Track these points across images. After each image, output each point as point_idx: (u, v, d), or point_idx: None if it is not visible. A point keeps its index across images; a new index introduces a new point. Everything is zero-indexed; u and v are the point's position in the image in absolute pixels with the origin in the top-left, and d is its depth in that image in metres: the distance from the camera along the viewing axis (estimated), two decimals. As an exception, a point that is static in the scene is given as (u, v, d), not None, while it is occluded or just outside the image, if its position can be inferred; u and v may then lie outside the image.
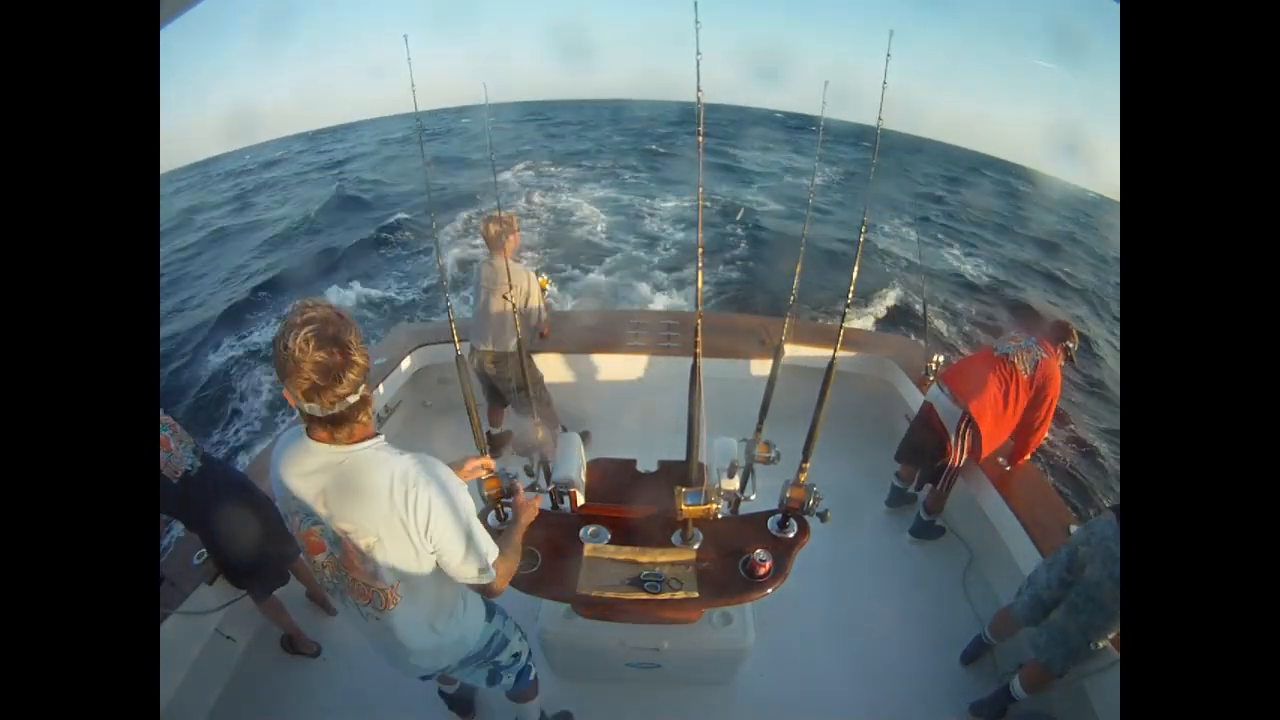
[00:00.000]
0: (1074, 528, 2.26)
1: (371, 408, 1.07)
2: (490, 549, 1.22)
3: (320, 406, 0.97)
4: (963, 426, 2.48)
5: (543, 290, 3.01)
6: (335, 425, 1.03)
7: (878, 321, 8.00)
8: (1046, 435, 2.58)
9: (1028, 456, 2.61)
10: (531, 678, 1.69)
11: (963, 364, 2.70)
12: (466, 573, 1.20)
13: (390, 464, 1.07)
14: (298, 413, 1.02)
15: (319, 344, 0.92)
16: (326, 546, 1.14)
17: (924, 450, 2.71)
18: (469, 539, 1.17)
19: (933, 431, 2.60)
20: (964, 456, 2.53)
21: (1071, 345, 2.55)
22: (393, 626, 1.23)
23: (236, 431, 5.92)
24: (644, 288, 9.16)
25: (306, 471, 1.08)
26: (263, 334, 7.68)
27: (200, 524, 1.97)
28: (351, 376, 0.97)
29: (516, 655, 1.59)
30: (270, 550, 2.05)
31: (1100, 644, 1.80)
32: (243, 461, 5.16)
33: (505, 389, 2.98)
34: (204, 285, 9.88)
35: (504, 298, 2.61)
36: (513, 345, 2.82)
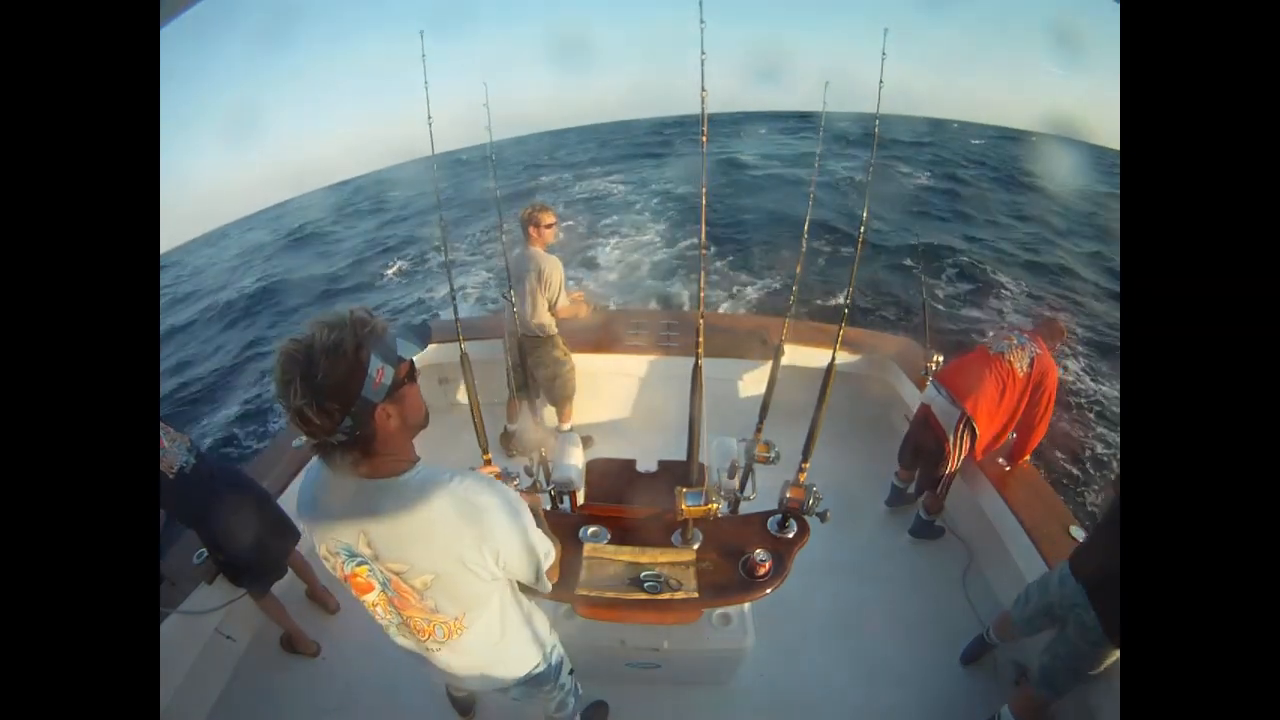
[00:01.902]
0: (1074, 528, 2.26)
1: (394, 433, 0.94)
2: (549, 548, 1.17)
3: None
4: (960, 427, 2.48)
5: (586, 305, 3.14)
6: (347, 452, 0.92)
7: (878, 321, 8.05)
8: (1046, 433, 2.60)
9: (1029, 455, 2.61)
10: (580, 693, 1.63)
11: (959, 363, 2.70)
12: (536, 582, 1.17)
13: (439, 496, 0.97)
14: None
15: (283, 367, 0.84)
16: (376, 586, 1.06)
17: (922, 451, 2.72)
18: (535, 552, 1.12)
19: (930, 431, 2.61)
20: (961, 458, 2.54)
21: (1059, 345, 2.59)
22: (460, 653, 1.17)
23: (245, 437, 5.93)
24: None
25: (339, 508, 0.98)
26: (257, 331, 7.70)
27: (197, 520, 1.97)
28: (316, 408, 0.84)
29: (571, 671, 1.53)
30: (267, 544, 2.05)
31: (1093, 673, 1.75)
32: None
33: (536, 375, 3.07)
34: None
35: (538, 275, 2.83)
36: (536, 327, 2.95)
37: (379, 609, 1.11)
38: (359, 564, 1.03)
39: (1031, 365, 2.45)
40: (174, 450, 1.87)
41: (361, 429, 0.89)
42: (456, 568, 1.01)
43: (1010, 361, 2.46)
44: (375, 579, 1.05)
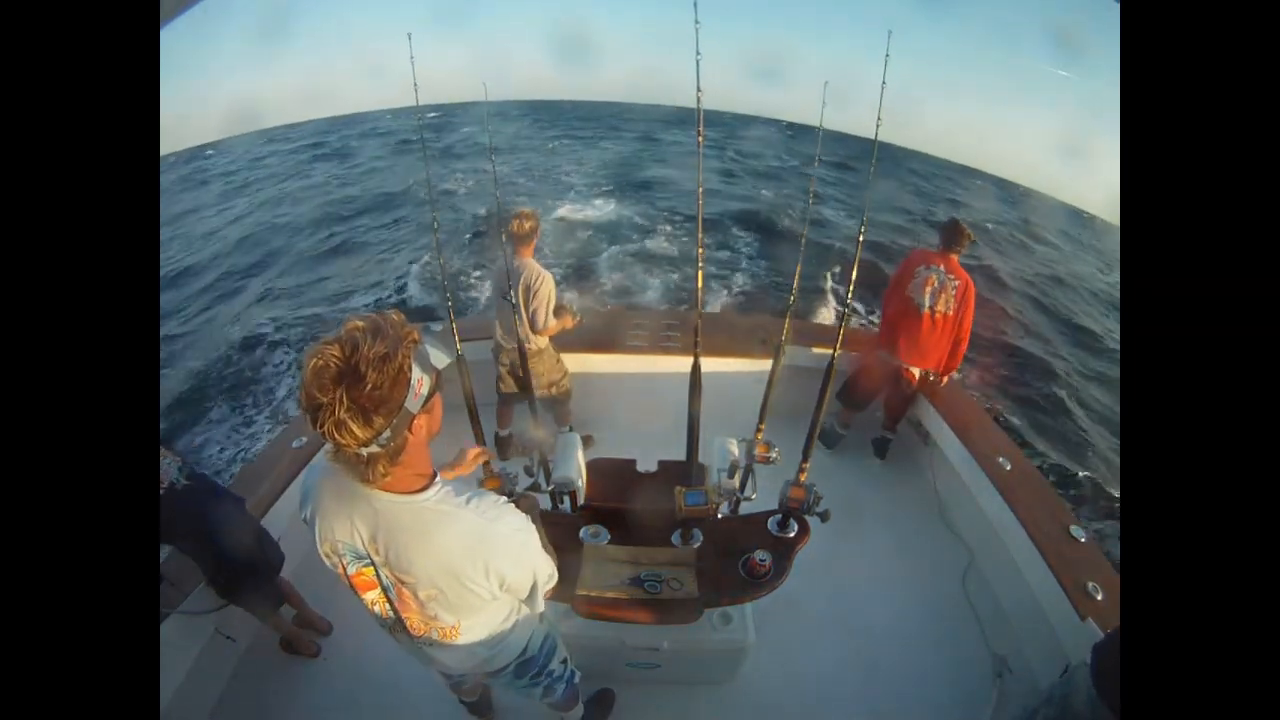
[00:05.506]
0: (1074, 528, 2.26)
1: (421, 443, 0.94)
2: (552, 571, 1.20)
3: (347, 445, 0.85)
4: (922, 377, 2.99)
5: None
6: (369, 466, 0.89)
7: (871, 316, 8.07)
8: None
9: (959, 363, 2.98)
10: (576, 680, 1.63)
11: (899, 328, 2.95)
12: (528, 600, 1.20)
13: (455, 521, 0.98)
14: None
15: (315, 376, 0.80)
16: (379, 586, 1.08)
17: (878, 394, 3.15)
18: (538, 576, 1.15)
19: (896, 380, 3.00)
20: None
21: (966, 246, 2.83)
22: (452, 651, 1.21)
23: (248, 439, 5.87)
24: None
25: (355, 515, 0.99)
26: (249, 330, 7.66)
27: (186, 542, 1.91)
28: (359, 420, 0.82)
29: (564, 660, 1.54)
30: (261, 566, 2.03)
31: None
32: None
33: (534, 385, 2.92)
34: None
35: (525, 290, 2.72)
36: (525, 339, 2.78)
37: (378, 606, 1.13)
38: (365, 565, 1.04)
39: (958, 300, 2.74)
40: (164, 465, 1.82)
41: (396, 440, 0.87)
42: (460, 586, 1.03)
43: (944, 313, 2.77)
44: (379, 580, 1.07)
